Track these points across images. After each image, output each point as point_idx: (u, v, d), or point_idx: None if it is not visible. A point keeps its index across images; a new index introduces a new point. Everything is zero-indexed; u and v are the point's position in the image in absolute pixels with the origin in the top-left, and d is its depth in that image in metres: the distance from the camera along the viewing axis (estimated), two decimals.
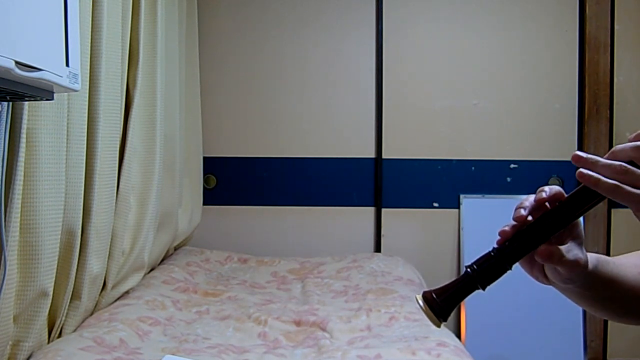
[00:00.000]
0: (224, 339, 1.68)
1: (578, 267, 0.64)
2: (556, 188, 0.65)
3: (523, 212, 0.64)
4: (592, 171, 0.59)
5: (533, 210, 0.65)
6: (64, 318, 1.58)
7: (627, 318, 0.77)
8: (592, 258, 0.68)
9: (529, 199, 0.65)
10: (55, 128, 1.39)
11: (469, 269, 0.66)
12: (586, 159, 0.60)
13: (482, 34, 2.88)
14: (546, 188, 0.65)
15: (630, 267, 0.73)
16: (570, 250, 0.64)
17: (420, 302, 0.66)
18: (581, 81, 2.85)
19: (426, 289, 0.68)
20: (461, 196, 2.87)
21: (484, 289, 0.66)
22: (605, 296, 0.72)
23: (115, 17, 1.74)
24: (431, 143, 2.89)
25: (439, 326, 0.66)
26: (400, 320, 1.81)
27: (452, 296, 0.66)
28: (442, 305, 0.66)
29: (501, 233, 0.65)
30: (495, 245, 0.66)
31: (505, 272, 0.65)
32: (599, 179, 0.58)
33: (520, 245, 0.65)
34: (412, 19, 2.89)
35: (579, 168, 0.61)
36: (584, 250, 0.66)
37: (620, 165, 0.58)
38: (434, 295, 0.66)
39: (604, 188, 0.58)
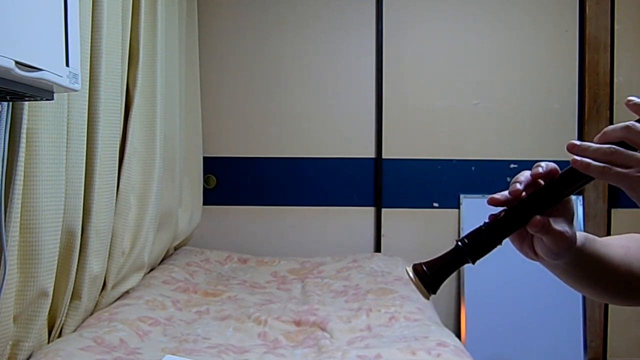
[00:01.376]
0: (224, 339, 1.68)
1: (564, 240, 0.66)
2: (552, 165, 0.67)
3: (519, 186, 0.66)
4: (584, 156, 0.62)
5: (528, 186, 0.67)
6: (64, 318, 1.58)
7: (611, 297, 0.79)
8: (580, 235, 0.71)
9: (525, 174, 0.67)
10: (55, 128, 1.39)
11: (459, 243, 0.67)
12: (579, 145, 0.63)
13: (482, 34, 2.88)
14: (542, 164, 0.67)
15: (617, 247, 0.75)
16: (557, 222, 0.66)
17: (411, 274, 0.67)
18: (581, 81, 2.85)
19: (416, 262, 0.68)
20: (461, 196, 2.87)
21: (473, 263, 0.67)
22: (591, 274, 0.74)
23: (115, 17, 1.74)
24: (431, 143, 2.89)
25: (428, 298, 0.67)
26: (400, 320, 1.81)
27: (442, 269, 0.67)
28: (432, 277, 0.66)
29: (491, 201, 0.67)
30: (487, 220, 0.67)
31: (495, 246, 0.67)
32: (589, 163, 0.61)
33: (510, 221, 0.66)
34: (412, 19, 2.89)
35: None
36: (573, 226, 0.68)
37: (609, 147, 0.61)
38: (424, 268, 0.67)
39: (594, 171, 0.61)
